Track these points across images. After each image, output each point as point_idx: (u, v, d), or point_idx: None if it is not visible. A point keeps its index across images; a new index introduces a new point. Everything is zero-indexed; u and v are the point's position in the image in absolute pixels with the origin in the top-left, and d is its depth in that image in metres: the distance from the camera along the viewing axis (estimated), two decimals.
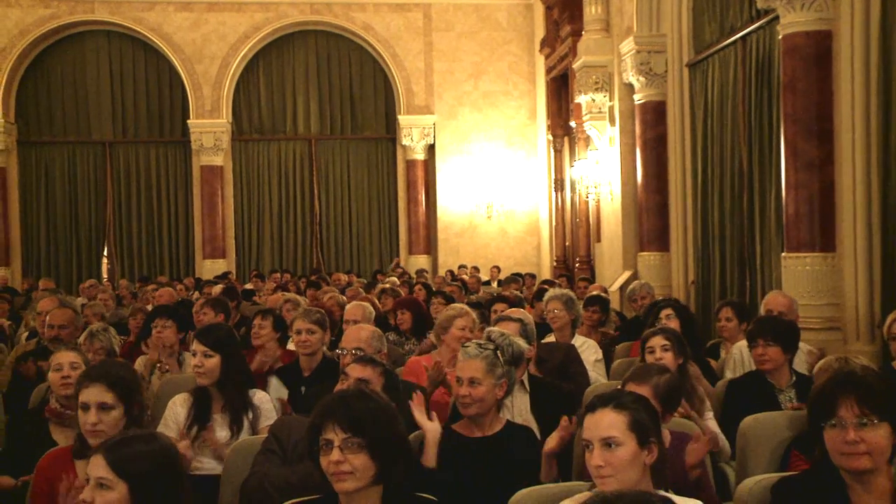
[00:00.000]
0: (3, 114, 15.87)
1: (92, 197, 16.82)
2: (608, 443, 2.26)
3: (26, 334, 7.42)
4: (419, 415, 3.09)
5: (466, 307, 4.93)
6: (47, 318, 5.44)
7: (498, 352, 3.14)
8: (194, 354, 3.76)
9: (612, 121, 11.51)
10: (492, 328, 3.66)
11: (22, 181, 16.56)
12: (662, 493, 2.11)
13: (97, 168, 16.82)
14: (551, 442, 3.11)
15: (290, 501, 2.43)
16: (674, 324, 4.84)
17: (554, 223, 15.84)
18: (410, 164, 17.06)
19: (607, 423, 2.28)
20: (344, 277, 12.66)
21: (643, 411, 2.34)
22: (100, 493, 2.16)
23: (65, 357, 3.83)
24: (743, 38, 8.44)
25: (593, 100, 11.56)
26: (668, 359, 3.75)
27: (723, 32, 8.97)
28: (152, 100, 16.96)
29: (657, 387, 3.06)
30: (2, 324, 8.29)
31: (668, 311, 5.08)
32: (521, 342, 3.62)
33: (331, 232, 17.37)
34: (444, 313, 4.78)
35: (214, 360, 3.68)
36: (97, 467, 2.19)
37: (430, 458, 3.02)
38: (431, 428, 3.06)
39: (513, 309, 5.03)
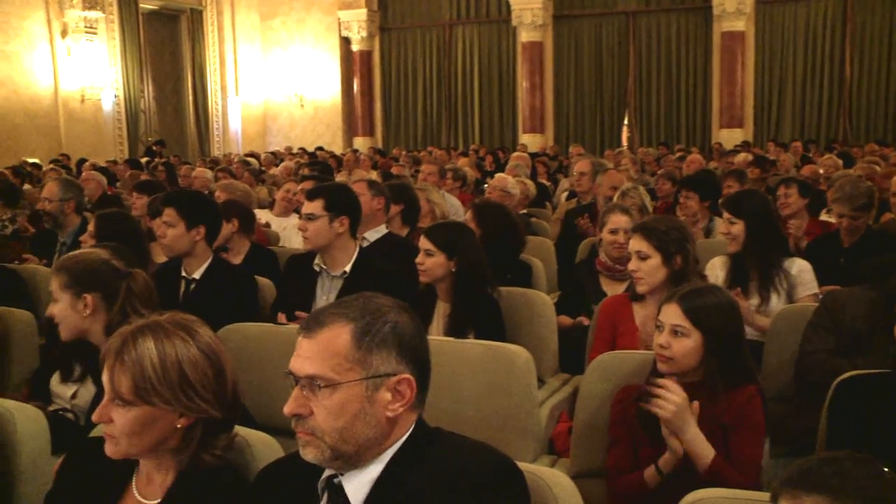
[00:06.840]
0: None
1: (615, 67, 17.57)
2: None
3: (565, 194, 8.19)
4: None
5: None
6: (604, 180, 5.80)
7: None
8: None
9: None
10: None
11: (556, 54, 17.91)
12: None
13: (620, 38, 17.45)
14: None
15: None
16: None
17: None
18: None
19: None
20: (876, 147, 11.59)
21: None
22: (675, 339, 2.32)
23: (620, 221, 4.04)
24: None
25: None
26: None
27: None
28: None
29: None
30: (543, 183, 9.30)
31: None
32: None
33: (862, 98, 15.91)
34: None
35: (738, 227, 3.77)
36: (672, 315, 2.34)
37: None
38: None
39: None
